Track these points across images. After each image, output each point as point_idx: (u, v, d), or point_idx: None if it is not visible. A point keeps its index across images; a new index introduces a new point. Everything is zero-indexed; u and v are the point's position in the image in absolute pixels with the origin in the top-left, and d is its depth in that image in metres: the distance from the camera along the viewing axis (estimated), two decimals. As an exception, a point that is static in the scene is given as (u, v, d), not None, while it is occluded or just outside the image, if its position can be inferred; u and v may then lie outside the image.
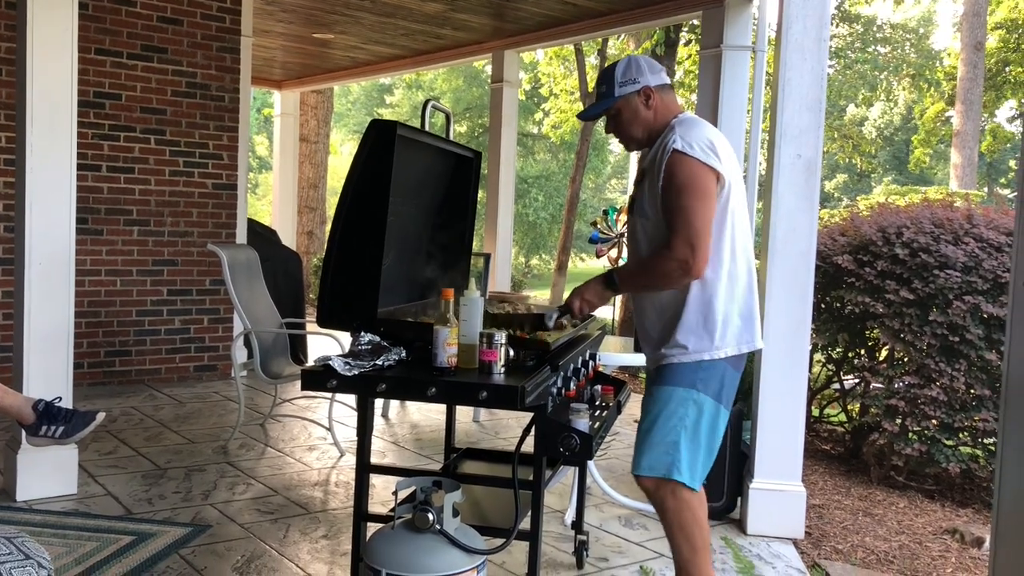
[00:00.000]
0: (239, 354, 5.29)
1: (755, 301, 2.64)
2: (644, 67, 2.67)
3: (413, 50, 8.65)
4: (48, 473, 3.88)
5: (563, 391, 2.66)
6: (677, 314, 2.58)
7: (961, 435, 4.64)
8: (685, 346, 2.57)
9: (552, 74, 17.18)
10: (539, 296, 11.33)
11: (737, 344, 2.59)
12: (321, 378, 2.32)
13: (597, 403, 2.97)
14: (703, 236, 2.45)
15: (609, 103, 2.69)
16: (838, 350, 5.23)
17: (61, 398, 3.21)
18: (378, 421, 5.68)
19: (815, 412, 5.69)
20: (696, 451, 2.58)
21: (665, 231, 2.52)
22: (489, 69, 8.42)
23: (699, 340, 2.56)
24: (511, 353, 2.43)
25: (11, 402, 3.11)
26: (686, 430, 2.56)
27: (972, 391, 4.44)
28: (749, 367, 4.19)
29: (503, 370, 2.35)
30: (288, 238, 10.27)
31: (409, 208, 3.03)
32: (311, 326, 6.25)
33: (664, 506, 2.60)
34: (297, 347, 6.54)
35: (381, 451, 4.94)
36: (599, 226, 8.59)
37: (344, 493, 4.15)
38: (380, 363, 2.34)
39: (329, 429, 4.96)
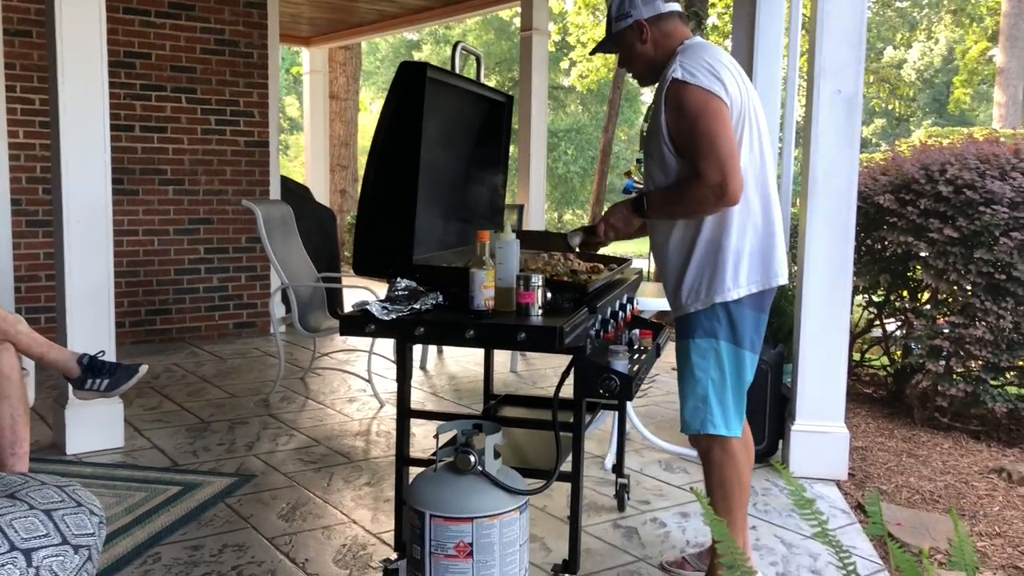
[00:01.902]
0: (277, 309, 5.34)
1: (774, 235, 2.50)
2: None
3: (441, 0, 8.54)
4: (95, 427, 3.96)
5: (601, 333, 2.63)
6: (688, 256, 2.50)
7: (1008, 375, 4.56)
8: (698, 290, 2.49)
9: (581, 24, 16.94)
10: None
11: (749, 283, 2.47)
12: (359, 323, 2.32)
13: (635, 347, 2.94)
14: (732, 158, 2.32)
15: (608, 39, 2.62)
16: (880, 292, 5.14)
17: (104, 352, 3.26)
18: (416, 372, 5.71)
19: (856, 357, 5.62)
20: (725, 400, 2.53)
21: (675, 167, 2.43)
22: (518, 21, 8.28)
23: (711, 282, 2.47)
24: (548, 295, 2.40)
25: (56, 356, 3.17)
26: (713, 383, 2.52)
27: (1020, 330, 4.35)
28: (789, 308, 4.15)
29: (540, 312, 2.33)
30: (321, 196, 10.29)
31: (442, 153, 3.00)
32: (347, 279, 6.29)
33: (710, 458, 2.57)
34: (334, 301, 6.59)
35: (420, 401, 4.97)
36: (633, 176, 8.50)
37: (385, 442, 4.19)
38: (418, 307, 2.33)
39: (368, 381, 5.00)
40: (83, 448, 3.92)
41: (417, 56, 29.34)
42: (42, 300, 5.85)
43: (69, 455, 3.87)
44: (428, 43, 28.62)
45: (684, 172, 2.41)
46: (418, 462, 2.65)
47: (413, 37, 28.57)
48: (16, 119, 5.71)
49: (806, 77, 3.91)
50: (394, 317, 2.29)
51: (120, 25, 6.08)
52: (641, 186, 8.52)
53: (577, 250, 2.82)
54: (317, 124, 11.11)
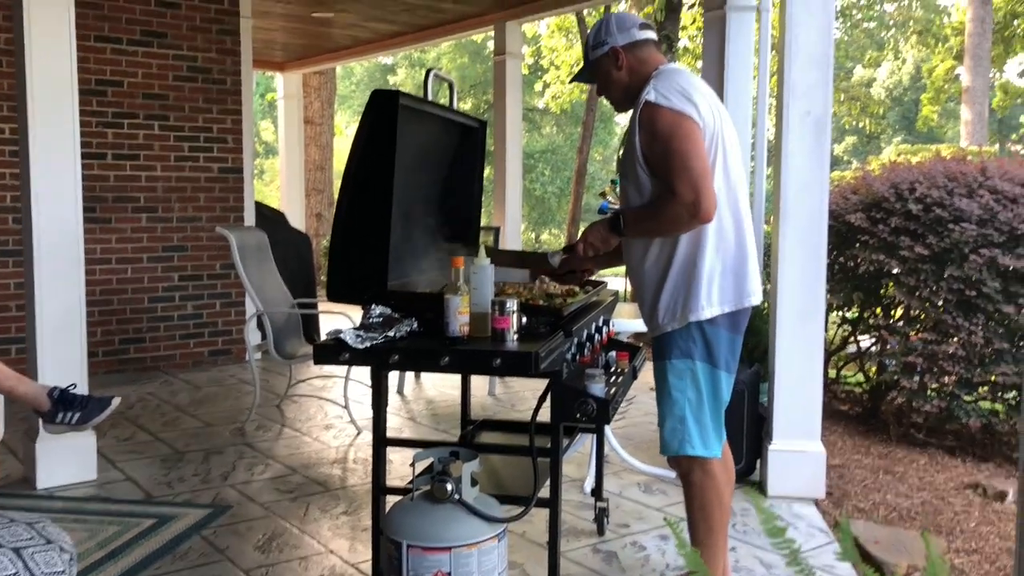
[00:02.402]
0: (252, 336, 5.30)
1: (746, 255, 2.53)
2: (613, 27, 2.59)
3: (414, 25, 8.58)
4: (67, 460, 3.90)
5: (577, 357, 2.64)
6: (664, 275, 2.52)
7: (980, 390, 4.60)
8: (674, 309, 2.51)
9: (554, 47, 17.05)
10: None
11: (722, 303, 2.49)
12: (334, 351, 2.30)
13: (612, 369, 2.94)
14: (704, 177, 2.35)
15: (585, 68, 2.68)
16: (853, 310, 5.18)
17: (76, 384, 3.22)
18: (393, 398, 5.68)
19: (831, 374, 5.66)
20: (703, 420, 2.54)
21: (649, 188, 2.46)
22: (491, 45, 8.34)
23: (686, 301, 2.49)
24: (524, 320, 2.40)
25: (26, 390, 3.12)
26: (690, 403, 2.53)
27: (991, 345, 4.40)
28: (764, 328, 4.16)
29: (516, 337, 2.32)
30: (297, 221, 10.25)
31: (415, 179, 3.00)
32: (323, 305, 6.25)
33: (690, 480, 2.57)
34: (310, 327, 6.54)
35: (398, 427, 4.94)
36: (608, 196, 8.55)
37: (362, 470, 4.16)
38: (392, 335, 2.32)
39: (345, 407, 4.97)
40: (55, 482, 3.85)
41: (392, 79, 29.42)
42: (12, 331, 5.77)
43: (40, 489, 3.80)
44: (403, 66, 28.71)
45: (658, 192, 2.44)
46: (395, 491, 2.62)
47: (388, 61, 28.65)
48: (-15, 148, 5.65)
49: (776, 97, 3.95)
50: (368, 345, 2.28)
51: (91, 53, 6.05)
52: (616, 206, 8.58)
53: (557, 270, 2.82)
54: (292, 149, 11.10)
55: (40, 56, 3.73)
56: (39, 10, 3.71)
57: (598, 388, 2.47)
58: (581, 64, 2.75)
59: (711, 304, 2.48)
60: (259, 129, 26.77)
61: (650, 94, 2.42)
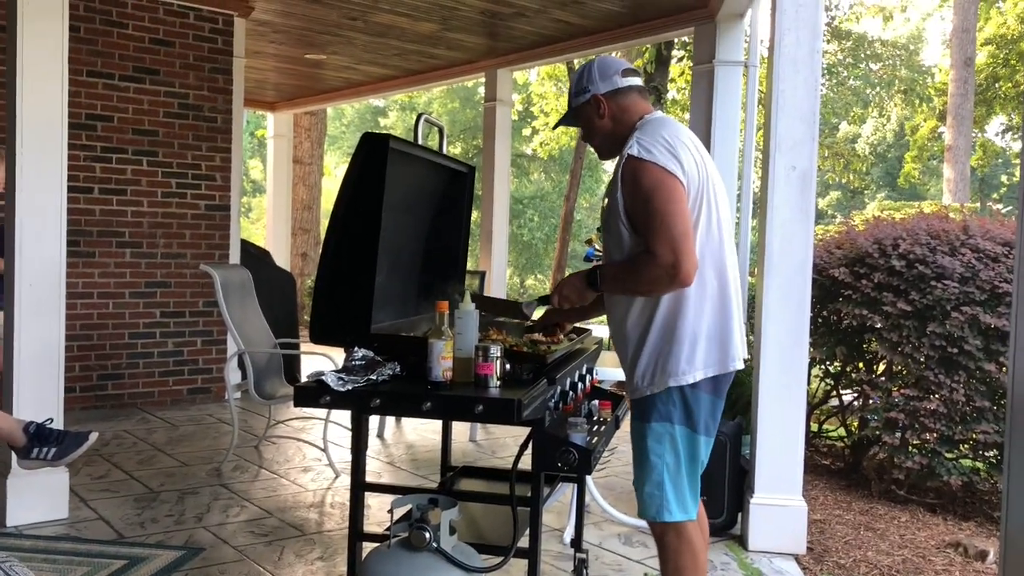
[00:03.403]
0: (233, 375, 5.25)
1: (730, 318, 2.45)
2: (595, 75, 2.55)
3: (406, 70, 8.67)
4: (38, 498, 3.82)
5: (560, 405, 2.63)
6: (644, 336, 2.45)
7: (962, 447, 4.61)
8: (652, 373, 2.44)
9: (544, 95, 17.25)
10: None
11: (705, 367, 2.42)
12: (314, 394, 2.28)
13: (595, 418, 2.93)
14: (686, 238, 2.27)
15: (568, 114, 2.65)
16: (836, 364, 5.20)
17: (52, 419, 3.17)
18: (373, 441, 5.63)
19: (814, 427, 5.66)
20: (680, 485, 2.48)
21: (630, 244, 2.40)
22: (483, 90, 8.44)
23: (665, 364, 2.42)
24: (507, 367, 2.40)
25: (1, 424, 3.07)
26: (668, 468, 2.46)
27: (972, 403, 4.41)
28: (747, 380, 4.17)
29: (499, 383, 2.31)
30: (282, 259, 10.24)
31: (403, 223, 3.01)
32: (306, 346, 6.22)
33: (665, 543, 2.51)
34: (292, 368, 6.50)
35: (377, 471, 4.89)
36: (595, 243, 8.59)
37: (340, 514, 4.10)
38: (374, 378, 2.31)
39: (324, 450, 4.91)
40: (25, 520, 3.77)
41: (383, 122, 29.65)
42: (-11, 363, 5.69)
43: (9, 527, 3.73)
44: (394, 109, 28.97)
45: (638, 249, 2.37)
46: (372, 537, 2.59)
47: (379, 104, 28.90)
48: (-29, 179, 5.63)
49: (762, 151, 4.01)
50: (350, 388, 2.26)
51: (83, 88, 6.07)
52: (602, 254, 8.62)
53: (531, 320, 2.82)
54: (280, 187, 11.12)
55: (31, 90, 3.74)
56: (33, 44, 3.73)
57: (580, 437, 2.45)
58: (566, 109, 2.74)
59: (693, 368, 2.41)
60: (247, 167, 26.84)
61: (633, 147, 2.37)
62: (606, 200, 2.52)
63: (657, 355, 2.44)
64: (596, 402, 3.01)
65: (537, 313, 2.95)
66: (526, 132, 19.28)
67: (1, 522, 3.76)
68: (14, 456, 3.24)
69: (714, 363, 2.44)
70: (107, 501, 4.17)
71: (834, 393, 5.37)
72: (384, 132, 2.60)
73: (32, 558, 3.34)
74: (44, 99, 3.76)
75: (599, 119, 2.56)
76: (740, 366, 2.50)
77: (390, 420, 6.14)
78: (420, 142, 2.95)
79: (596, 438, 2.64)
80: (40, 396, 3.74)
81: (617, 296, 2.53)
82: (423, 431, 5.96)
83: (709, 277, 2.43)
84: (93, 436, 3.17)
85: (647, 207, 2.32)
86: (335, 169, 27.15)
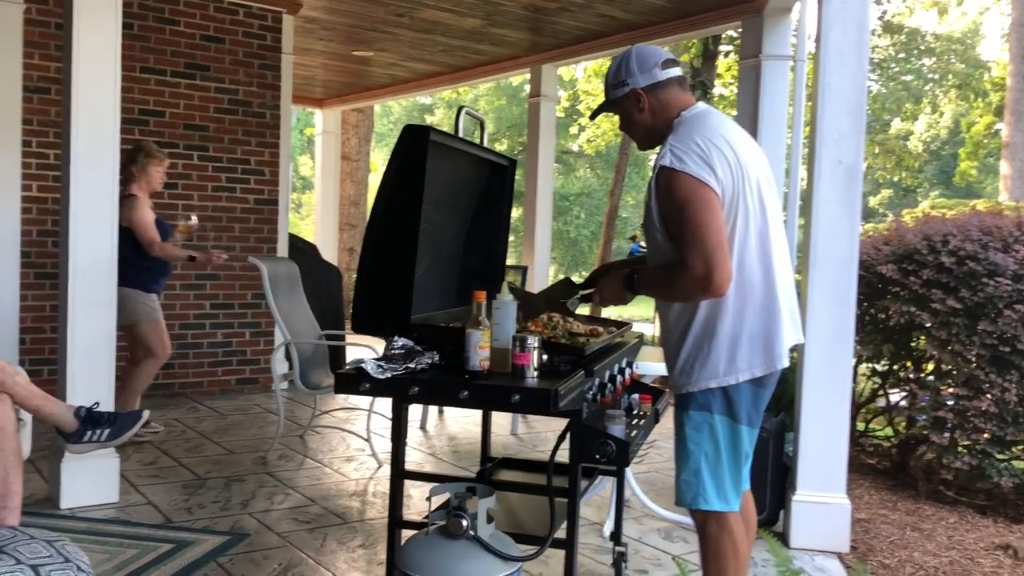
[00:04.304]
0: (279, 366, 5.33)
1: (777, 318, 2.42)
2: (634, 67, 2.48)
3: (451, 66, 8.71)
4: (91, 481, 3.93)
5: (598, 397, 2.62)
6: (683, 336, 2.45)
7: (1014, 449, 4.50)
8: (689, 372, 2.44)
9: (590, 91, 17.19)
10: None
11: (750, 368, 2.40)
12: (354, 381, 2.31)
13: (634, 412, 2.93)
14: (719, 250, 2.26)
15: (605, 106, 2.61)
16: (883, 362, 5.11)
17: (99, 403, 3.25)
18: (416, 433, 5.68)
19: (860, 426, 5.57)
20: (719, 475, 2.46)
21: (667, 250, 2.39)
22: (528, 87, 8.45)
23: (703, 367, 2.41)
24: (544, 357, 2.40)
25: (53, 409, 3.16)
26: (706, 456, 2.45)
27: (1024, 403, 4.30)
28: (791, 377, 4.12)
29: (536, 374, 2.32)
30: (329, 254, 10.36)
31: (443, 215, 3.03)
32: (350, 337, 6.29)
33: (705, 532, 2.50)
34: (337, 359, 6.58)
35: (418, 462, 4.93)
36: (638, 240, 8.56)
37: (381, 503, 4.14)
38: (413, 366, 2.33)
39: (367, 440, 4.97)
40: (77, 502, 3.88)
41: (429, 120, 29.83)
42: (46, 352, 5.86)
43: (63, 509, 3.83)
44: (440, 107, 29.09)
45: (674, 255, 2.36)
46: (411, 525, 2.61)
47: (426, 101, 29.06)
48: (31, 173, 5.79)
49: (808, 146, 3.95)
50: (389, 376, 2.28)
51: (136, 84, 6.21)
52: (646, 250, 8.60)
53: (569, 312, 2.82)
54: (328, 183, 11.25)
55: (87, 86, 3.84)
56: (88, 41, 3.82)
57: (618, 429, 2.45)
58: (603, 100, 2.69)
59: (734, 370, 2.40)
60: (297, 163, 27.22)
61: (665, 157, 2.33)
62: (646, 200, 2.52)
63: (696, 354, 2.44)
64: (636, 396, 3.00)
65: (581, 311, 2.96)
66: (573, 130, 19.23)
67: (56, 504, 3.86)
68: (65, 441, 3.33)
69: (759, 364, 2.42)
70: (156, 487, 4.27)
71: (881, 392, 5.28)
72: (425, 125, 2.62)
73: (83, 539, 3.43)
74: (98, 94, 3.86)
75: (638, 113, 2.53)
76: (786, 364, 2.47)
77: (432, 411, 6.19)
78: (460, 132, 2.96)
79: (635, 431, 2.63)
80: (92, 384, 3.84)
81: None
82: (465, 423, 5.99)
83: (753, 275, 2.40)
84: (146, 414, 3.25)
85: (680, 218, 2.31)
86: (381, 165, 27.40)
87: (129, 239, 5.01)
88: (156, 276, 5.18)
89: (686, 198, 2.30)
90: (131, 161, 5.19)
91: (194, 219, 5.36)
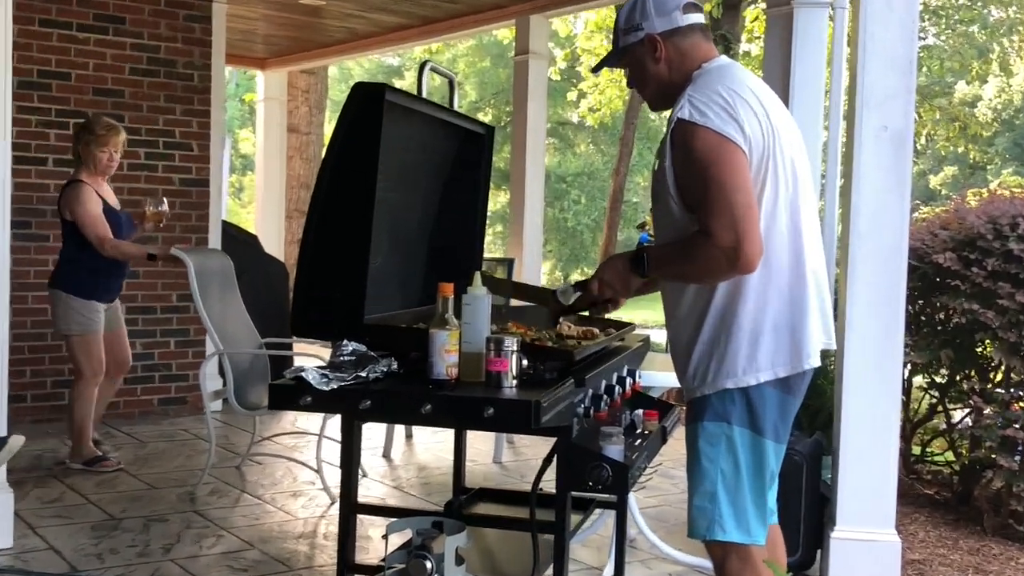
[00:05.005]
0: (210, 382, 5.32)
1: (805, 308, 2.44)
2: (650, 8, 2.51)
3: (421, 17, 8.70)
4: (-23, 523, 3.91)
5: (592, 412, 2.63)
6: (697, 329, 2.46)
7: (1098, 474, 4.52)
8: (704, 371, 2.45)
9: (593, 50, 17.20)
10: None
11: (773, 366, 2.41)
12: (293, 394, 2.31)
13: (636, 430, 2.93)
14: (748, 217, 2.27)
15: (614, 55, 2.62)
16: (942, 372, 5.13)
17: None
18: (377, 462, 5.68)
19: (915, 450, 5.59)
20: (739, 499, 2.46)
21: (682, 223, 2.40)
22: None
23: (720, 363, 2.42)
24: (525, 363, 2.40)
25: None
26: (723, 476, 2.45)
27: (1110, 418, 4.33)
28: (828, 388, 4.13)
29: (515, 383, 2.32)
30: (274, 247, 10.32)
31: (404, 194, 3.03)
32: (299, 346, 6.28)
33: (726, 570, 2.49)
34: (281, 373, 6.57)
35: (380, 497, 4.93)
36: (648, 228, 8.58)
37: (333, 546, 4.12)
38: (365, 376, 2.33)
39: (317, 471, 4.96)
40: (-39, 548, 3.86)
41: (399, 85, 29.83)
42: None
43: (-57, 556, 3.82)
44: (411, 69, 29.10)
45: (692, 228, 2.37)
46: (366, 569, 2.61)
47: (392, 62, 29.06)
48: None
49: (848, 109, 3.97)
50: (335, 387, 2.28)
51: (34, 40, 6.19)
52: (654, 230, 8.61)
53: (569, 310, 2.80)
54: (272, 162, 11.22)
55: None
56: (-29, -15, 3.81)
57: (615, 450, 2.46)
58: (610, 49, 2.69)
59: (755, 367, 2.41)
60: (236, 138, 27.17)
61: (683, 109, 2.36)
62: (655, 164, 2.53)
63: (712, 349, 2.45)
64: (640, 411, 3.01)
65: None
66: (571, 95, 19.22)
67: (-66, 551, 3.85)
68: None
69: (784, 362, 2.43)
70: (59, 528, 4.25)
71: (940, 408, 5.30)
72: (379, 82, 2.62)
73: (-31, 593, 3.41)
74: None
75: (654, 64, 2.54)
76: (816, 363, 2.48)
77: (399, 434, 6.18)
78: (424, 93, 2.97)
79: (636, 452, 2.64)
80: (-21, 402, 3.82)
81: (669, 283, 2.55)
82: (438, 450, 5.99)
83: (778, 259, 2.42)
84: (16, 440, 3.22)
85: (702, 179, 2.32)
86: (340, 141, 27.36)
87: (74, 235, 5.02)
88: (105, 280, 5.19)
89: (709, 156, 2.31)
90: (75, 139, 5.21)
91: (165, 205, 5.36)
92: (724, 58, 2.58)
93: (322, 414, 4.72)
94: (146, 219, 5.30)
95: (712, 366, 2.44)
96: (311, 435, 5.75)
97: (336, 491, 4.86)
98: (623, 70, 2.69)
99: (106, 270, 5.14)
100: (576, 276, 27.24)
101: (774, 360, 2.42)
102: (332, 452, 5.35)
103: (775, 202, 2.41)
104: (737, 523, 2.45)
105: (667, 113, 2.54)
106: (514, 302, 3.32)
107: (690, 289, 2.49)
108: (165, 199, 5.52)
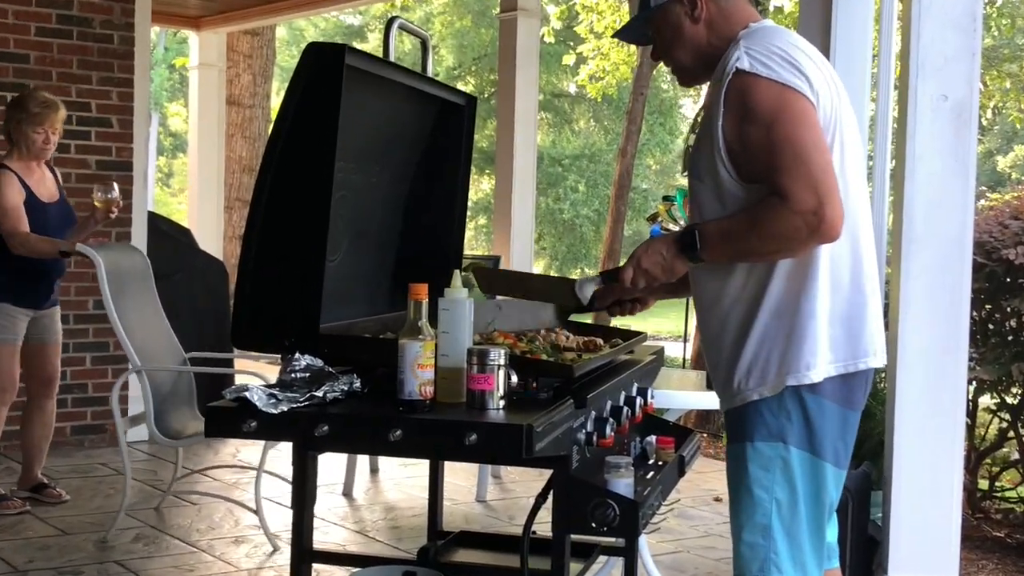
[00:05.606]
0: (131, 405, 5.31)
1: (865, 298, 2.49)
2: None
3: (387, -32, 8.71)
4: None
5: (595, 438, 2.63)
6: (749, 317, 2.46)
7: None
8: (764, 368, 2.45)
9: (595, 6, 17.23)
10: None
11: (835, 359, 2.43)
12: (234, 418, 2.30)
13: (649, 461, 2.94)
14: (827, 174, 2.30)
15: (643, 17, 2.64)
16: (1014, 391, 5.16)
17: None
18: (337, 500, 5.67)
19: (982, 484, 5.61)
20: (797, 533, 2.47)
21: (735, 200, 2.42)
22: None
23: (784, 356, 2.43)
24: (514, 379, 2.40)
25: None
26: (779, 506, 2.46)
27: None
28: (878, 410, 4.15)
29: (503, 404, 2.32)
30: (210, 243, 10.31)
31: (369, 177, 3.04)
32: (241, 362, 6.26)
33: None
34: (216, 393, 6.55)
35: (340, 543, 4.93)
36: (661, 219, 8.58)
37: (284, 603, 4.14)
38: (321, 396, 2.32)
39: (256, 512, 4.94)
40: None
41: (362, 48, 29.85)
42: None
43: None
44: (376, 29, 29.13)
45: (750, 200, 2.39)
46: (322, 629, 2.61)
47: (353, 21, 29.08)
48: None
49: (900, 77, 3.99)
50: (285, 409, 2.27)
51: (-80, -6, 6.17)
52: (691, 211, 8.64)
53: (587, 305, 2.80)
54: (208, 140, 11.19)
55: None
56: None
57: (623, 484, 2.47)
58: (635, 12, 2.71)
59: (819, 362, 2.43)
60: (166, 112, 27.13)
61: (741, 60, 2.37)
62: (694, 139, 2.54)
63: (769, 344, 2.46)
64: (652, 438, 3.02)
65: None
66: (568, 59, 19.25)
67: None
68: None
69: (843, 356, 2.46)
70: (-49, 583, 4.24)
71: (1011, 434, 5.33)
72: (338, 43, 2.63)
73: None
74: None
75: (691, 24, 2.56)
76: (878, 363, 2.52)
77: (363, 469, 6.17)
78: (392, 56, 2.97)
79: (649, 488, 2.65)
80: None
81: (708, 265, 2.53)
82: (409, 486, 5.98)
83: (843, 243, 2.43)
84: None
85: (769, 137, 2.34)
86: (290, 116, 27.37)
87: None
88: (26, 281, 5.19)
89: (776, 109, 2.34)
90: (6, 118, 5.22)
91: (116, 191, 5.34)
92: (770, 21, 2.61)
93: (262, 442, 4.72)
94: (96, 204, 5.30)
95: (772, 363, 2.45)
96: (252, 468, 5.75)
97: (283, 536, 4.87)
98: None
99: (32, 271, 5.14)
100: (575, 276, 27.28)
101: (834, 355, 2.44)
102: (276, 489, 5.36)
103: (842, 173, 2.43)
104: (794, 561, 2.46)
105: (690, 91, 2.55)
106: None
107: (736, 276, 2.49)
108: (116, 184, 5.49)
